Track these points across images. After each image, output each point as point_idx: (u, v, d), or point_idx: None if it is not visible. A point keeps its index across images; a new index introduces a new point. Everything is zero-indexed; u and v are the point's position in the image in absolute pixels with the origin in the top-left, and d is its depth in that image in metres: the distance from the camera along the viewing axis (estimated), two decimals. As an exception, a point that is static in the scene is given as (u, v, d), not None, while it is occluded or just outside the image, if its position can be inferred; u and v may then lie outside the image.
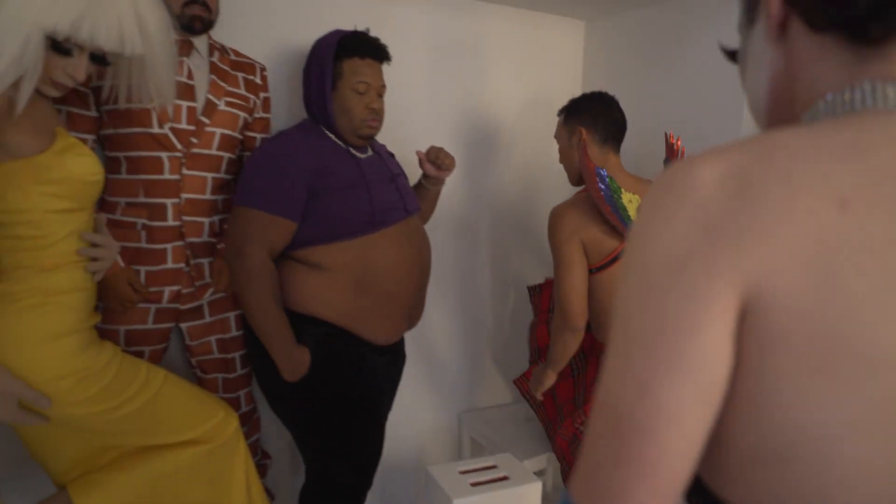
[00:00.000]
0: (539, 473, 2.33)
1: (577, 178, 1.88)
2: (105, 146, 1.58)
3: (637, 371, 0.48)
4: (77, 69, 1.20)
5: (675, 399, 0.47)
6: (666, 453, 0.47)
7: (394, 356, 1.81)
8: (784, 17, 0.55)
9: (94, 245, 1.31)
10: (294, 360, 1.58)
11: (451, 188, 2.30)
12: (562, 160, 1.91)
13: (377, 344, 1.70)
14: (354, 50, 1.65)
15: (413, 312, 1.78)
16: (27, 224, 1.20)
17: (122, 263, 1.53)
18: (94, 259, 1.31)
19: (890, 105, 0.49)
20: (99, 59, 1.24)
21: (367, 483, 1.77)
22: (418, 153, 1.86)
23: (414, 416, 2.37)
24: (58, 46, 1.15)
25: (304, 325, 1.62)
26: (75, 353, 1.24)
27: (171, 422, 1.40)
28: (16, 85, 1.12)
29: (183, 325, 1.71)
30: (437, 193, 1.97)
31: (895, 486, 0.48)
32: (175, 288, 1.62)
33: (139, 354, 1.57)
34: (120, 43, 1.20)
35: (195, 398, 1.47)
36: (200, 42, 1.63)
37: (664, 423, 0.47)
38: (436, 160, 1.83)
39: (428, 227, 2.14)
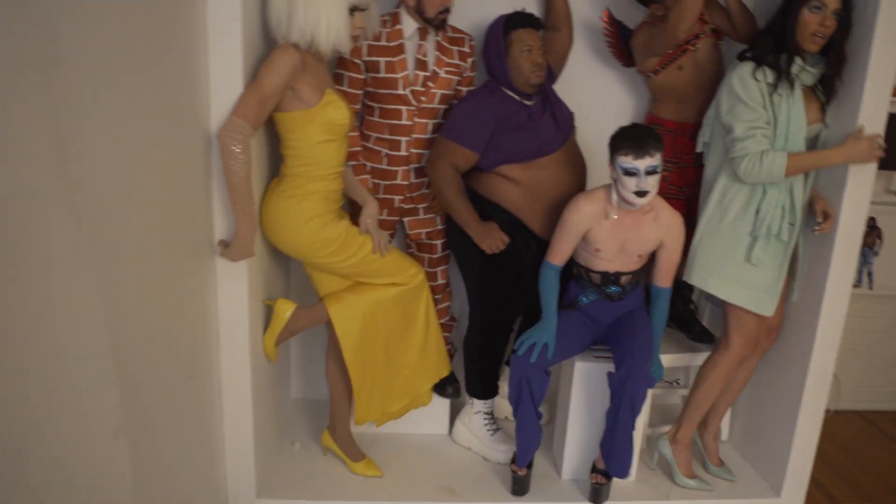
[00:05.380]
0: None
1: None
2: (367, 98, 2.39)
3: None
4: (362, 20, 1.99)
5: None
6: None
7: None
8: None
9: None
10: (483, 230, 2.31)
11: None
12: None
13: (539, 235, 2.41)
14: (517, 23, 2.27)
15: None
16: (302, 149, 2.02)
17: (370, 184, 2.39)
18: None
19: None
20: (362, 10, 1.99)
21: (507, 327, 2.51)
22: None
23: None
24: (352, 10, 1.94)
25: (494, 211, 2.39)
26: (319, 230, 2.07)
27: (381, 270, 2.23)
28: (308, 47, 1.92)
29: (405, 219, 2.54)
30: None
31: None
32: (400, 196, 2.45)
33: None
34: None
35: (397, 257, 2.28)
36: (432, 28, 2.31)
37: None
38: None
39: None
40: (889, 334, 3.33)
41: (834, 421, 3.23)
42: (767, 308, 2.22)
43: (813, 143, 2.21)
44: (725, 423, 2.78)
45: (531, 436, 2.27)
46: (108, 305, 1.27)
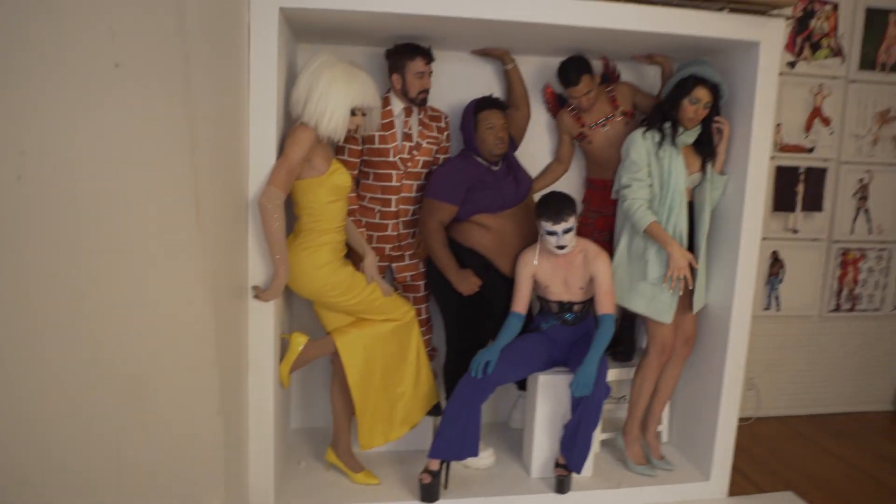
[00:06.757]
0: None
1: None
2: (363, 165, 2.90)
3: None
4: (359, 120, 2.49)
5: None
6: None
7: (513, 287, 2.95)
8: None
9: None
10: (461, 276, 2.84)
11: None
12: None
13: (505, 274, 2.94)
14: (484, 106, 2.85)
15: None
16: (314, 209, 2.49)
17: (365, 235, 2.88)
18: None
19: None
20: (360, 114, 2.50)
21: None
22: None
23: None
24: (353, 112, 2.45)
25: (469, 255, 2.91)
26: (330, 274, 2.53)
27: (380, 308, 2.69)
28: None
29: (393, 265, 3.03)
30: (513, 73, 3.03)
31: None
32: (390, 245, 2.94)
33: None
34: (372, 101, 2.49)
35: (392, 296, 2.75)
36: (415, 107, 2.86)
37: None
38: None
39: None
40: (797, 348, 3.95)
41: (756, 425, 3.81)
42: (665, 317, 2.80)
43: (693, 190, 2.86)
44: (665, 427, 3.31)
45: (464, 433, 2.66)
46: (215, 312, 1.73)
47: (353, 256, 2.83)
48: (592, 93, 2.97)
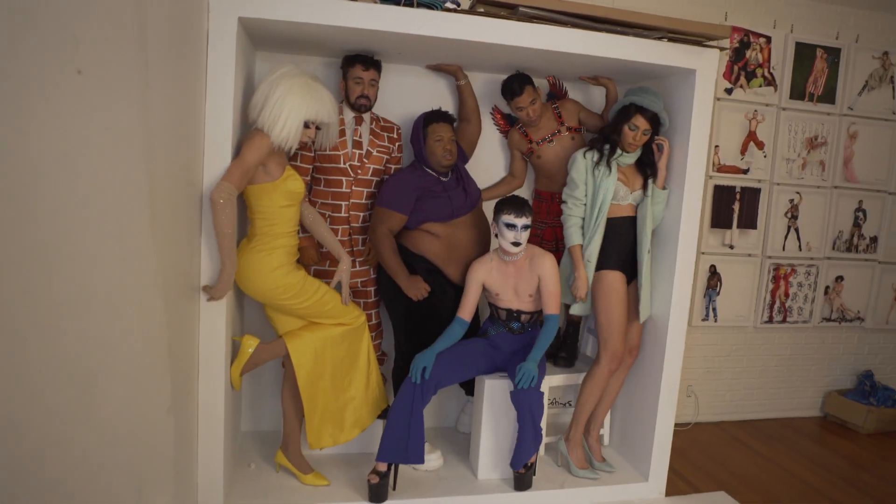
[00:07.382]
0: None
1: None
2: (315, 171, 2.98)
3: None
4: (313, 134, 2.58)
5: None
6: None
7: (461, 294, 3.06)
8: None
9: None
10: (410, 282, 2.92)
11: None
12: None
13: (453, 281, 3.04)
14: (432, 119, 2.96)
15: None
16: (267, 213, 2.55)
17: (316, 241, 2.95)
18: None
19: None
20: (314, 127, 2.59)
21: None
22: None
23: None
24: (307, 125, 2.53)
25: (419, 261, 3.00)
26: (283, 277, 2.58)
27: (331, 312, 2.76)
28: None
29: (344, 270, 3.12)
30: (465, 88, 3.16)
31: None
32: (341, 250, 3.02)
33: (320, 283, 2.99)
34: (327, 117, 2.59)
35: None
36: (366, 116, 2.96)
37: None
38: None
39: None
40: (732, 357, 4.16)
41: (694, 430, 3.99)
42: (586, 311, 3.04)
43: (636, 207, 3.03)
44: (607, 431, 3.45)
45: (408, 436, 2.74)
46: (168, 311, 1.77)
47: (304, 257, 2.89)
48: (537, 103, 3.12)
